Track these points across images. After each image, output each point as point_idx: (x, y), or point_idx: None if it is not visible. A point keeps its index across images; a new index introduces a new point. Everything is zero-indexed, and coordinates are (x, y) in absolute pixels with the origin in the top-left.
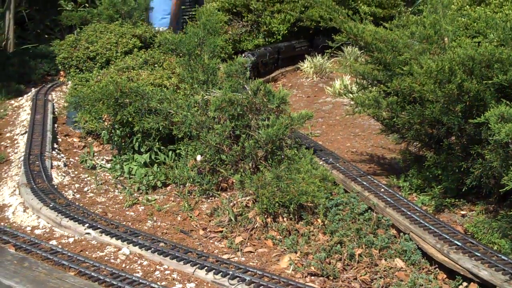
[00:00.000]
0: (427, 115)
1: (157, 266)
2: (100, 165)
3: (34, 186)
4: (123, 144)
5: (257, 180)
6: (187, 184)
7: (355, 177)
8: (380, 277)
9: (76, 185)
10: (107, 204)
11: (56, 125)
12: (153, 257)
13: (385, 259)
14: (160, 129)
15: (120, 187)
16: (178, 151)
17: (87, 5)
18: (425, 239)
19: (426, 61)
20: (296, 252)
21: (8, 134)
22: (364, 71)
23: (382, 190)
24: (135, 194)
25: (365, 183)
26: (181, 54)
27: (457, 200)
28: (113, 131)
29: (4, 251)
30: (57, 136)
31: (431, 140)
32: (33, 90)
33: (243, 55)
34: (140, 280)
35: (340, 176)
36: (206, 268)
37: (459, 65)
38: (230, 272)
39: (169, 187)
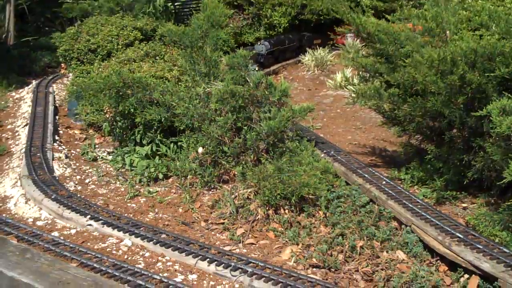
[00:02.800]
0: (429, 107)
1: (159, 258)
2: (102, 157)
3: (36, 178)
4: (124, 136)
5: (259, 172)
6: (188, 176)
7: (357, 169)
8: (382, 269)
9: (78, 177)
10: (108, 195)
11: (57, 117)
12: (155, 249)
13: (387, 251)
14: (162, 121)
15: (122, 179)
16: (179, 143)
17: None
18: (426, 231)
19: (428, 51)
20: (297, 244)
21: (9, 126)
22: (367, 63)
23: (384, 182)
24: (137, 186)
25: (366, 175)
26: (183, 46)
27: (458, 192)
28: (114, 123)
29: (6, 242)
30: (58, 128)
31: (432, 132)
32: (34, 82)
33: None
34: (142, 271)
35: (341, 169)
36: (208, 259)
37: (462, 57)
38: (232, 264)
39: (171, 179)
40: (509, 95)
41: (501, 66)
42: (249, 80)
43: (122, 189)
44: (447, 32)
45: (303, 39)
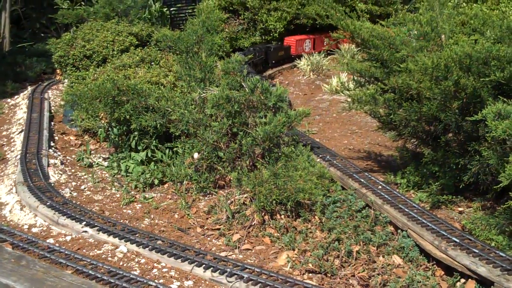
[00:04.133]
0: (424, 112)
1: (155, 264)
2: (97, 163)
3: (31, 184)
4: (120, 142)
5: (254, 177)
6: (184, 182)
7: (353, 174)
8: (378, 274)
9: (73, 183)
10: (104, 202)
11: (52, 123)
12: (150, 255)
13: (383, 256)
14: (157, 127)
15: (117, 185)
16: (175, 149)
17: (83, 3)
18: (422, 236)
19: (421, 58)
20: (293, 249)
21: (4, 133)
22: (362, 68)
23: (380, 187)
24: (132, 192)
25: (362, 180)
26: (178, 52)
27: (454, 196)
28: (110, 129)
29: (1, 249)
30: (54, 134)
31: (428, 137)
32: (30, 88)
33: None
34: (138, 278)
35: (337, 173)
36: (204, 265)
37: (456, 62)
38: (228, 270)
39: (166, 185)
40: (504, 99)
41: (496, 71)
42: (244, 85)
43: (118, 195)
44: (442, 36)
45: (269, 51)
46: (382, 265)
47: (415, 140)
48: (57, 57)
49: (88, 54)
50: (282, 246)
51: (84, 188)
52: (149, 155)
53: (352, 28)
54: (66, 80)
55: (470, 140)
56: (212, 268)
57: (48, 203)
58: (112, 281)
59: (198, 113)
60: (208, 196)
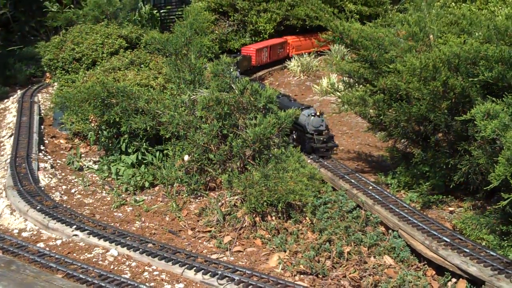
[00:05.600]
0: (414, 112)
1: (146, 267)
2: (87, 166)
3: (21, 189)
4: (110, 145)
5: (245, 179)
6: (175, 184)
7: (343, 175)
8: (369, 275)
9: (63, 187)
10: (94, 205)
11: (42, 126)
12: (141, 258)
13: (374, 257)
14: (147, 129)
15: (108, 188)
16: (165, 151)
17: (72, 6)
18: (413, 236)
19: (409, 58)
20: (285, 251)
21: None
22: (351, 69)
23: (370, 187)
24: (123, 195)
25: (353, 181)
26: (168, 54)
27: (445, 196)
28: (100, 132)
29: None
30: (44, 138)
31: (418, 137)
32: (19, 92)
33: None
34: (129, 281)
35: (328, 174)
36: (195, 268)
37: (445, 62)
38: (219, 272)
39: (157, 188)
40: (493, 98)
41: (484, 71)
42: (234, 87)
43: (108, 198)
44: (431, 36)
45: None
46: (373, 265)
47: (405, 141)
48: (46, 60)
49: (77, 57)
50: (273, 248)
51: (75, 191)
52: (140, 157)
53: (341, 29)
54: (55, 83)
55: (460, 140)
56: (203, 270)
57: (38, 207)
58: (103, 284)
59: (188, 115)
60: (199, 198)
